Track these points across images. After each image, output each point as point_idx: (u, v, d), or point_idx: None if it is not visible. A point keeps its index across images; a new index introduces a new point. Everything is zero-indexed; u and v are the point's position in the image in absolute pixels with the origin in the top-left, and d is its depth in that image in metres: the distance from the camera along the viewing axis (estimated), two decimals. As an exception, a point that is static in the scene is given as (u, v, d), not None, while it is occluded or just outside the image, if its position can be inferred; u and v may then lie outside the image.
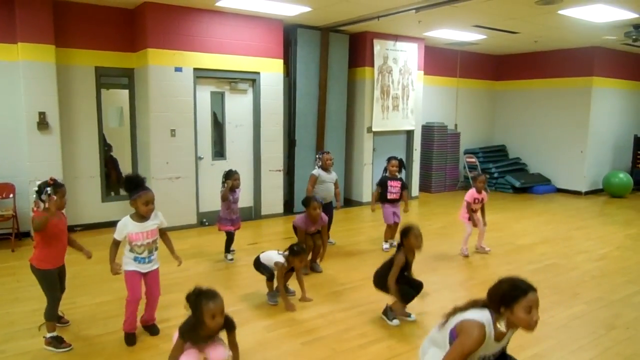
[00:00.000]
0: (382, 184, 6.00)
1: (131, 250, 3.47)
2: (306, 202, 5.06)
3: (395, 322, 3.91)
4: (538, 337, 3.74)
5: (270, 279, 4.31)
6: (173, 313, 3.87)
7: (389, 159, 6.06)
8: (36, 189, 3.38)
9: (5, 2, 5.94)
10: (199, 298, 2.65)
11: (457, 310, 2.40)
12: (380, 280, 3.95)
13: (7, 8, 5.95)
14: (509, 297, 2.24)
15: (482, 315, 2.29)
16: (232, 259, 5.55)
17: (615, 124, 10.63)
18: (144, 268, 3.53)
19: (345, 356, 3.43)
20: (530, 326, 2.23)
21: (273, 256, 4.27)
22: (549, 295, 4.63)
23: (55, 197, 3.34)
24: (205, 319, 2.63)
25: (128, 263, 3.49)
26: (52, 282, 3.47)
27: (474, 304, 2.38)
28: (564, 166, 10.48)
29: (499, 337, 2.31)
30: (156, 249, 3.58)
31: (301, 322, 3.96)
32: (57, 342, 3.45)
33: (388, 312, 3.96)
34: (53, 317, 3.49)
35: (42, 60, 6.06)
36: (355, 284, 4.87)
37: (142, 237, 3.46)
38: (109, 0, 6.45)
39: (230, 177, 5.36)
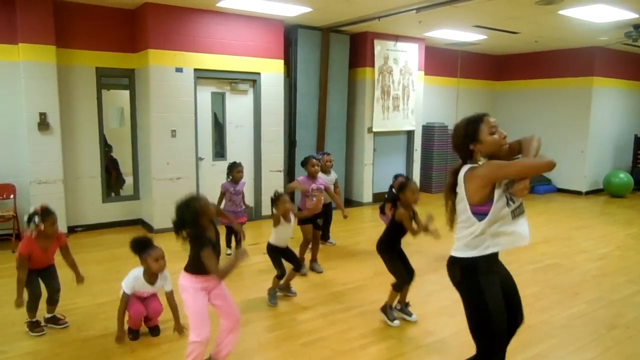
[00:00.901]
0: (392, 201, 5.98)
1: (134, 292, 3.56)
2: (305, 161, 5.23)
3: (397, 322, 3.89)
4: (539, 337, 3.74)
5: (279, 276, 4.32)
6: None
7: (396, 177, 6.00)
8: (26, 217, 3.48)
9: (6, 3, 5.95)
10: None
11: (450, 199, 2.40)
12: (381, 245, 3.96)
13: (8, 9, 5.95)
14: (470, 130, 2.31)
15: (463, 168, 2.30)
16: (229, 254, 5.54)
17: (615, 123, 10.63)
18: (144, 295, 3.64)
19: (346, 357, 3.43)
20: (502, 144, 2.29)
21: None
22: (549, 294, 4.63)
23: (42, 227, 3.44)
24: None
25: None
26: (30, 281, 3.59)
27: (453, 174, 2.38)
28: (565, 166, 10.45)
29: None
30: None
31: (301, 323, 3.97)
32: (32, 326, 3.67)
33: (388, 311, 3.93)
34: (30, 309, 3.65)
35: (43, 61, 6.06)
36: (356, 284, 4.87)
37: (148, 293, 3.60)
38: (110, 1, 6.46)
39: (234, 169, 5.43)
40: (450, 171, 2.44)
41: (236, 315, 3.11)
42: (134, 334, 3.62)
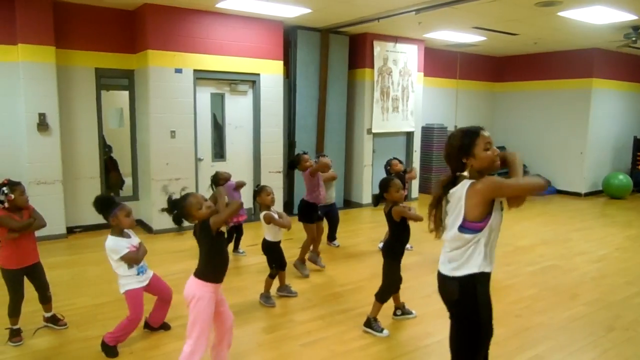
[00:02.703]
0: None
1: (130, 266, 3.43)
2: (297, 159, 5.28)
3: (385, 332, 3.77)
4: (537, 338, 3.75)
5: (273, 275, 4.34)
6: (174, 313, 3.87)
7: (389, 161, 6.01)
8: None
9: (5, 3, 5.95)
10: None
11: (442, 217, 2.39)
12: (389, 250, 3.87)
13: (8, 9, 5.95)
14: (466, 144, 2.26)
15: (464, 184, 2.27)
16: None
17: (614, 125, 10.64)
18: (147, 278, 3.53)
19: (345, 358, 3.43)
20: (494, 161, 2.26)
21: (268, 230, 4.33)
22: (548, 296, 4.63)
23: (13, 196, 3.40)
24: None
25: (128, 283, 3.43)
26: (14, 282, 3.51)
27: (443, 187, 2.36)
28: (564, 167, 10.48)
29: None
30: None
31: (300, 324, 3.97)
32: (11, 334, 3.55)
33: (373, 324, 3.80)
34: (12, 314, 3.55)
35: (43, 61, 6.07)
36: (355, 285, 4.87)
37: (134, 247, 3.48)
38: (109, 2, 6.46)
39: (218, 179, 5.50)
40: (440, 184, 2.38)
41: (231, 321, 3.09)
42: (114, 350, 3.41)
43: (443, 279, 2.39)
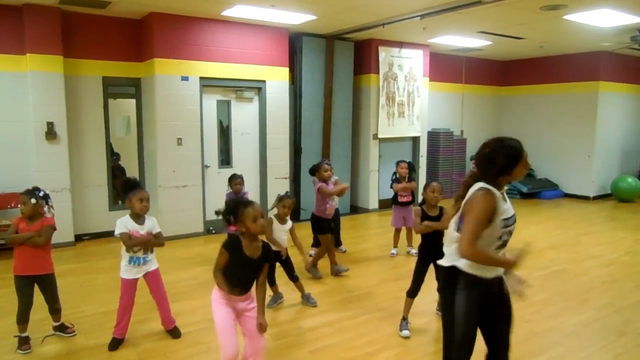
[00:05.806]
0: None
1: (127, 250, 3.49)
2: (316, 167, 5.38)
3: (405, 332, 3.81)
4: (547, 343, 3.71)
5: (271, 282, 4.35)
6: (183, 321, 3.88)
7: (398, 162, 6.08)
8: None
9: (14, 14, 6.02)
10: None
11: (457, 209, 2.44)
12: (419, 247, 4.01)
13: (16, 20, 6.02)
14: (509, 165, 2.26)
15: (480, 184, 2.29)
16: None
17: (622, 128, 10.57)
18: (140, 271, 3.55)
19: (353, 364, 3.41)
20: (523, 175, 2.36)
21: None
22: (558, 301, 4.59)
23: (20, 206, 3.52)
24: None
25: (123, 269, 3.56)
26: (20, 289, 3.51)
27: (465, 187, 2.39)
28: (572, 171, 10.42)
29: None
30: (152, 250, 3.58)
31: (308, 330, 3.95)
32: (20, 342, 3.54)
33: (400, 321, 3.88)
34: (19, 321, 3.53)
35: (51, 71, 6.13)
36: (363, 291, 4.85)
37: (139, 234, 3.52)
38: (116, 11, 6.52)
39: (232, 181, 5.42)
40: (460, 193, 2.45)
41: (261, 343, 2.90)
42: (114, 342, 3.55)
43: (436, 269, 2.56)
